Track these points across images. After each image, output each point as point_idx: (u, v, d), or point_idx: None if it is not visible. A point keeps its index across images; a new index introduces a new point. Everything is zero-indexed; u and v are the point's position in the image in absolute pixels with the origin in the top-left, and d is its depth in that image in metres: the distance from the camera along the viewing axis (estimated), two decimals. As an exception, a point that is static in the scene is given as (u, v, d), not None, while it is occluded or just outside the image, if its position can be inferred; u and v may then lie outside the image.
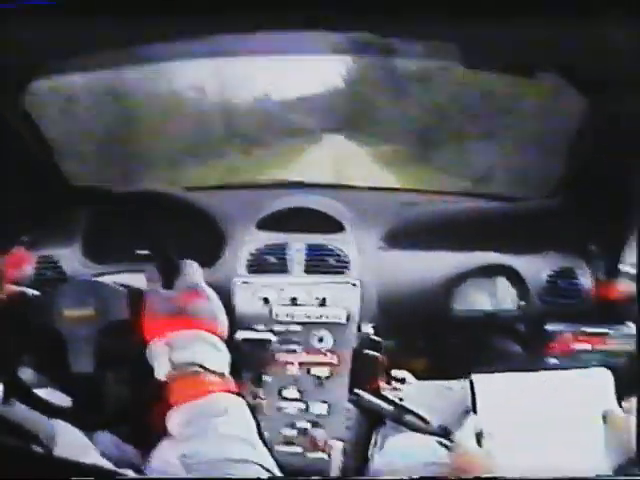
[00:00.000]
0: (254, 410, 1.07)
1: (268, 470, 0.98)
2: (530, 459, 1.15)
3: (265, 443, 1.02)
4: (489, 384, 1.26)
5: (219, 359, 1.11)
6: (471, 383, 1.27)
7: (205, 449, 0.98)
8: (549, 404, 1.21)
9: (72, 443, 0.73)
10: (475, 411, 1.23)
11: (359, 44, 1.52)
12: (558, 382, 1.24)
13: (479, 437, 1.17)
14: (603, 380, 1.24)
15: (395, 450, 1.50)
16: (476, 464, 1.13)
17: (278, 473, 0.99)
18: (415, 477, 1.24)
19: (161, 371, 1.09)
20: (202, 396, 1.03)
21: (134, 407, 1.18)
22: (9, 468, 0.64)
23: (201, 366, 1.07)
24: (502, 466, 1.13)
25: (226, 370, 1.11)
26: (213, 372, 1.07)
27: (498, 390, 1.25)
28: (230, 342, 1.63)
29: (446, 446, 1.38)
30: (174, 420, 1.04)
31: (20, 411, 0.81)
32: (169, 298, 1.14)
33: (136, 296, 1.19)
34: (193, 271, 1.20)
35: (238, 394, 1.09)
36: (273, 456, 1.02)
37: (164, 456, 1.01)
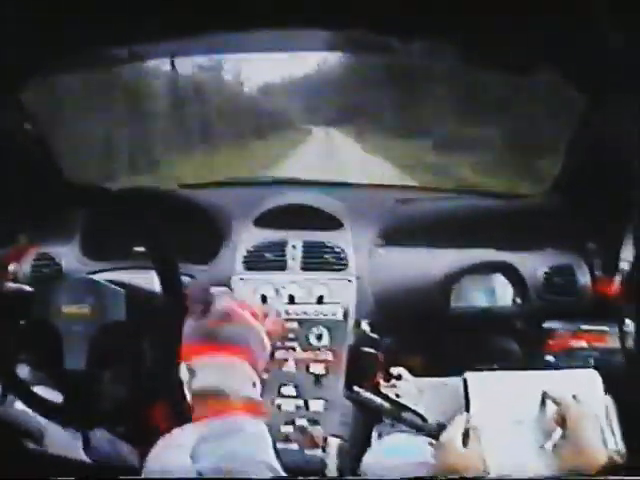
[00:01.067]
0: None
1: None
2: (520, 458, 1.15)
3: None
4: (482, 382, 1.26)
5: (243, 382, 1.09)
6: (464, 381, 1.27)
7: (220, 468, 0.96)
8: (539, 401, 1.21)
9: (62, 440, 0.73)
10: (467, 409, 1.24)
11: (358, 42, 1.52)
12: (550, 381, 1.24)
13: (465, 436, 1.17)
14: (592, 381, 1.24)
15: (386, 448, 1.50)
16: (461, 463, 1.13)
17: None
18: (406, 477, 1.24)
19: (187, 391, 1.08)
20: (225, 414, 1.03)
21: (130, 405, 1.18)
22: (4, 466, 0.64)
23: (220, 390, 1.05)
24: (491, 465, 1.13)
25: (253, 393, 1.10)
26: (235, 395, 1.06)
27: (491, 389, 1.25)
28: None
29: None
30: (192, 437, 1.02)
31: (11, 409, 0.80)
32: (203, 324, 1.12)
33: (134, 295, 1.18)
34: (230, 297, 1.19)
35: (261, 417, 1.07)
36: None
37: (165, 459, 1.00)
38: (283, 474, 1.01)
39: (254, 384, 1.11)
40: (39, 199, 1.78)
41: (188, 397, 1.08)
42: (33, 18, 0.96)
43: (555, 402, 1.17)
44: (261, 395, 1.14)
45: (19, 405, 1.09)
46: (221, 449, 0.98)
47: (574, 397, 1.16)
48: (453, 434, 1.18)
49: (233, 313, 1.15)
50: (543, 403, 1.20)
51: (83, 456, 1.09)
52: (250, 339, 1.14)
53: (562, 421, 1.13)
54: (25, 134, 1.65)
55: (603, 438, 1.12)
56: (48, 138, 1.77)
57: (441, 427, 1.45)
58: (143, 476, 0.98)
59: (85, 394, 1.15)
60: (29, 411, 0.91)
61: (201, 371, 1.08)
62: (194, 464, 0.99)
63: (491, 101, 5.34)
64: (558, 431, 1.13)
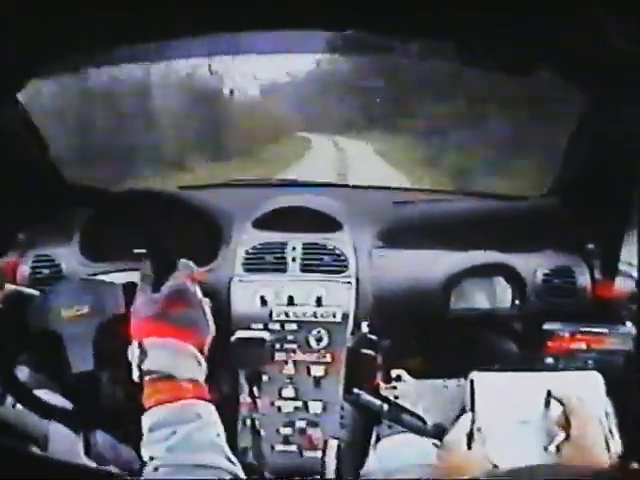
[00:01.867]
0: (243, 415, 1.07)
1: (235, 478, 0.98)
2: (524, 459, 1.15)
3: (259, 440, 1.02)
4: (488, 383, 1.26)
5: (192, 367, 1.09)
6: (471, 382, 1.27)
7: (174, 454, 0.98)
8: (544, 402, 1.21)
9: (65, 443, 0.73)
10: (473, 410, 1.23)
11: (357, 43, 1.52)
12: (554, 382, 1.24)
13: (470, 438, 1.17)
14: (595, 383, 1.24)
15: (388, 451, 1.50)
16: (465, 464, 1.13)
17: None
18: (408, 479, 1.24)
19: (134, 374, 1.08)
20: (173, 401, 1.03)
21: (130, 407, 1.18)
22: (6, 469, 0.64)
23: (170, 375, 1.06)
24: (496, 465, 1.12)
25: (200, 377, 1.10)
26: (185, 380, 1.06)
27: (496, 389, 1.25)
28: (226, 341, 1.64)
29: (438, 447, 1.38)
30: (146, 423, 1.03)
31: (13, 411, 0.80)
32: (153, 301, 1.12)
33: (131, 291, 1.18)
34: (185, 273, 1.18)
35: (210, 401, 1.08)
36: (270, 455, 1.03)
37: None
38: (233, 459, 1.01)
39: (199, 363, 1.11)
40: (39, 200, 1.78)
41: (135, 376, 1.08)
42: (33, 18, 0.96)
43: (560, 402, 1.16)
44: (258, 394, 1.14)
45: (22, 409, 1.09)
46: (176, 435, 0.99)
47: (579, 398, 1.16)
48: (458, 435, 1.18)
49: (185, 292, 1.15)
50: (547, 404, 1.19)
51: (85, 460, 1.09)
52: (198, 321, 1.15)
53: (566, 422, 1.13)
54: (25, 135, 1.65)
55: (606, 440, 1.12)
56: (48, 139, 1.77)
57: (440, 429, 1.45)
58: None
59: (89, 396, 1.15)
60: (34, 416, 0.91)
61: (152, 352, 1.07)
62: (145, 451, 1.01)
63: (491, 101, 5.34)
64: (562, 432, 1.12)
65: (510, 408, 1.21)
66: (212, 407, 1.07)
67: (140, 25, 1.11)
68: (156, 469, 0.98)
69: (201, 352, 1.12)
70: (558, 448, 1.12)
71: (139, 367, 1.07)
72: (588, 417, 1.12)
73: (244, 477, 1.00)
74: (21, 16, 0.96)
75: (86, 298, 1.19)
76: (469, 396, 1.25)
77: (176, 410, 1.02)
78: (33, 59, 1.23)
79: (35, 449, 0.69)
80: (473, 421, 1.20)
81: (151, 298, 1.13)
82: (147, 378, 1.06)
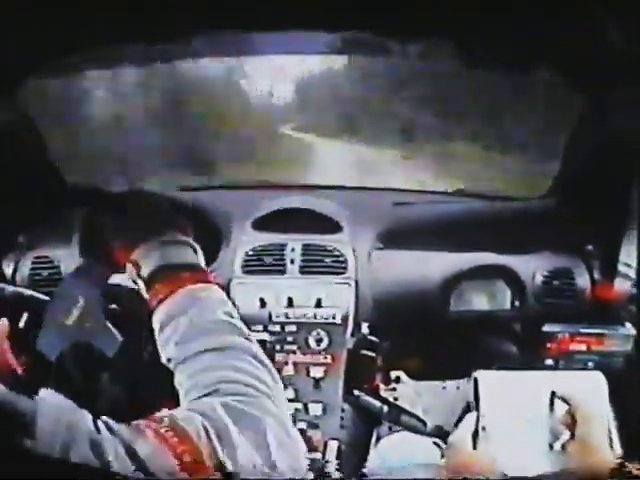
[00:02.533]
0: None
1: (255, 357, 0.94)
2: (529, 457, 1.15)
3: None
4: (492, 382, 1.26)
5: (187, 253, 1.09)
6: (475, 381, 1.27)
7: (184, 346, 0.95)
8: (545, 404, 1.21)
9: (56, 420, 0.72)
10: (478, 408, 1.23)
11: (357, 43, 1.52)
12: (558, 382, 1.24)
13: (475, 437, 1.16)
14: (598, 383, 1.23)
15: (389, 451, 1.50)
16: (471, 465, 1.13)
17: (266, 359, 0.96)
18: (410, 478, 1.24)
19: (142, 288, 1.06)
20: (174, 292, 1.01)
21: (132, 401, 1.18)
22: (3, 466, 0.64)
23: (168, 266, 1.04)
24: (502, 465, 1.12)
25: (198, 262, 1.09)
26: (184, 266, 1.05)
27: (501, 388, 1.24)
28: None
29: (440, 447, 1.37)
30: (155, 327, 1.01)
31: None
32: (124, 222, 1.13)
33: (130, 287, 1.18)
34: None
35: (211, 282, 1.06)
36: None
37: None
38: (250, 336, 0.99)
39: (194, 250, 1.11)
40: (38, 201, 1.77)
41: (143, 292, 1.06)
42: (33, 18, 0.96)
43: (565, 401, 1.16)
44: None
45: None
46: (184, 320, 0.97)
47: (583, 397, 1.16)
48: (463, 434, 1.18)
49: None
50: (552, 403, 1.19)
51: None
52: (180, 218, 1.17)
53: (571, 421, 1.12)
54: (25, 135, 1.65)
55: (610, 439, 1.12)
56: (47, 139, 1.76)
57: (439, 430, 1.45)
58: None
59: (92, 393, 1.14)
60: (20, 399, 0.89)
61: (145, 259, 1.06)
62: (162, 354, 0.99)
63: (491, 101, 5.34)
64: (567, 430, 1.12)
65: (515, 407, 1.21)
66: (215, 287, 1.05)
67: (140, 25, 1.11)
68: (175, 368, 0.96)
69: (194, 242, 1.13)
70: (563, 447, 1.12)
71: (141, 278, 1.05)
72: (592, 416, 1.12)
73: (261, 354, 0.96)
74: (21, 16, 0.96)
75: (76, 292, 1.18)
76: (473, 395, 1.25)
77: (175, 301, 1.00)
78: (33, 59, 1.24)
79: (23, 437, 0.68)
80: (478, 420, 1.19)
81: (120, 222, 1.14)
82: (148, 283, 1.04)
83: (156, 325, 1.01)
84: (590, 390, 1.20)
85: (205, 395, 0.88)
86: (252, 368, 0.92)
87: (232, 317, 1.00)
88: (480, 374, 1.26)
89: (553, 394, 1.18)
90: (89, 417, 0.76)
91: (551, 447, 1.14)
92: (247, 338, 0.98)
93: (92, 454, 0.70)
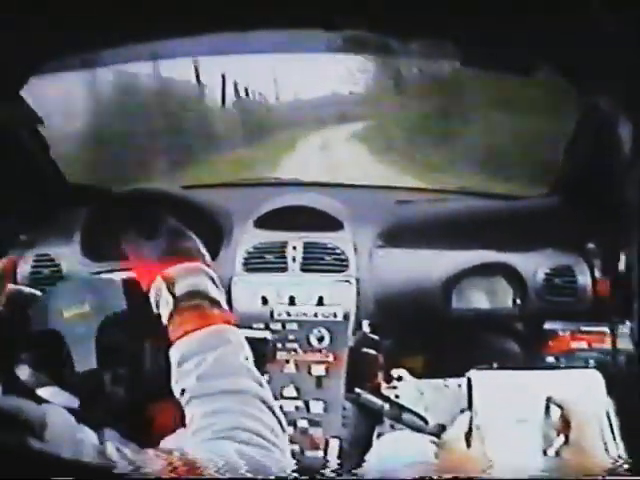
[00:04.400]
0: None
1: (266, 403, 0.97)
2: (523, 457, 1.15)
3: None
4: (486, 381, 1.26)
5: (217, 290, 1.10)
6: (468, 380, 1.27)
7: (205, 382, 0.97)
8: (543, 402, 1.21)
9: (63, 433, 0.73)
10: (471, 408, 1.23)
11: (358, 43, 1.52)
12: (553, 381, 1.24)
13: (469, 436, 1.17)
14: (595, 382, 1.23)
15: (386, 449, 1.49)
16: (464, 464, 1.13)
17: (276, 406, 0.98)
18: (407, 478, 1.23)
19: (165, 310, 1.08)
20: (204, 327, 1.02)
21: (135, 403, 1.18)
22: (7, 466, 0.64)
23: (204, 295, 1.06)
24: (496, 465, 1.12)
25: (222, 300, 1.10)
26: (215, 302, 1.07)
27: (494, 388, 1.25)
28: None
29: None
30: (175, 356, 1.03)
31: (9, 400, 0.80)
32: (156, 244, 1.15)
33: (132, 285, 1.18)
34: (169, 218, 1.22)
35: (232, 322, 1.08)
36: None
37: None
38: (263, 382, 1.01)
39: (217, 286, 1.12)
40: (39, 200, 1.78)
41: (169, 310, 1.07)
42: (34, 18, 0.96)
43: (559, 406, 1.16)
44: None
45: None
46: (205, 362, 0.98)
47: (577, 401, 1.16)
48: (456, 433, 1.18)
49: (178, 227, 1.20)
50: (547, 408, 1.19)
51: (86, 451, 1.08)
52: (200, 248, 1.19)
53: (565, 425, 1.12)
54: (26, 134, 1.65)
55: (604, 441, 1.12)
56: (48, 138, 1.77)
57: (442, 428, 1.45)
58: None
59: (95, 393, 1.15)
60: (29, 403, 0.90)
61: (179, 276, 1.09)
62: (176, 385, 1.01)
63: (491, 101, 5.33)
64: (561, 436, 1.12)
65: (508, 406, 1.21)
66: (238, 331, 1.07)
67: (140, 25, 1.11)
68: (188, 402, 0.97)
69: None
70: (557, 453, 1.12)
71: (171, 294, 1.07)
72: (586, 419, 1.12)
73: (273, 402, 0.99)
74: (22, 15, 0.96)
75: (86, 297, 1.19)
76: (466, 394, 1.25)
77: (205, 337, 1.02)
78: (33, 58, 1.24)
79: (32, 439, 0.68)
80: (471, 419, 1.20)
81: (153, 243, 1.15)
82: (178, 307, 1.06)
83: (176, 355, 1.03)
84: (585, 390, 1.21)
85: (218, 439, 0.90)
86: (264, 415, 0.95)
87: (249, 362, 1.03)
88: (473, 374, 1.26)
89: (548, 400, 1.19)
90: (93, 436, 0.77)
91: (545, 453, 1.14)
92: (261, 384, 1.00)
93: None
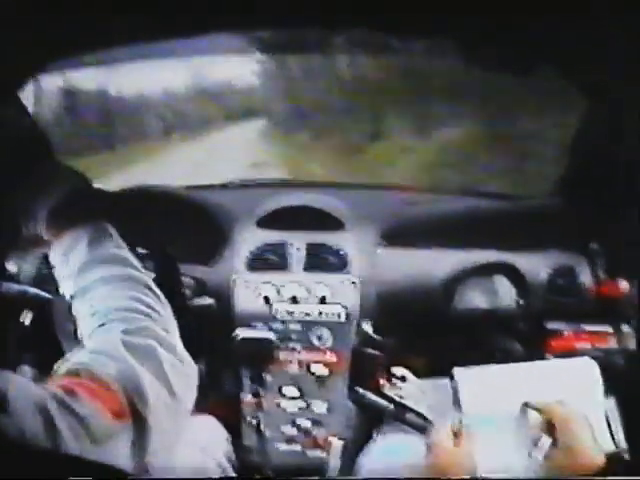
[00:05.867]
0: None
1: (147, 287, 1.00)
2: (512, 457, 1.15)
3: (263, 439, 1.01)
4: (472, 379, 1.25)
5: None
6: (452, 377, 1.26)
7: (83, 275, 1.00)
8: (534, 396, 1.20)
9: (22, 400, 0.74)
10: (459, 407, 1.23)
11: (358, 43, 1.52)
12: (543, 374, 1.23)
13: (457, 435, 1.16)
14: (589, 371, 1.22)
15: (379, 450, 1.50)
16: (452, 463, 1.12)
17: (156, 288, 1.01)
18: (402, 477, 1.23)
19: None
20: (61, 235, 1.06)
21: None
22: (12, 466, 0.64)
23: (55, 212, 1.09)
24: (483, 465, 1.12)
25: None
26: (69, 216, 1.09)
27: (482, 384, 1.24)
28: (229, 341, 1.64)
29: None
30: (52, 260, 1.06)
31: None
32: None
33: None
34: None
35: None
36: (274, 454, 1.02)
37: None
38: (141, 269, 1.03)
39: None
40: (39, 199, 1.77)
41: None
42: (33, 17, 0.96)
43: (538, 410, 1.15)
44: (262, 393, 1.13)
45: None
46: (75, 256, 1.02)
47: (559, 401, 1.15)
48: (443, 433, 1.17)
49: None
50: (524, 413, 1.18)
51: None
52: None
53: (550, 427, 1.11)
54: (25, 133, 1.65)
55: (594, 437, 1.11)
56: (48, 138, 1.77)
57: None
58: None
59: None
60: None
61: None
62: (63, 291, 1.03)
63: (491, 101, 5.33)
64: (546, 439, 1.11)
65: (495, 404, 1.20)
66: (100, 224, 1.08)
67: (140, 25, 1.12)
68: (73, 304, 1.00)
69: None
70: (547, 456, 1.10)
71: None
72: (572, 418, 1.10)
73: (154, 287, 1.01)
74: (21, 15, 0.96)
75: None
76: (452, 393, 1.25)
77: (64, 241, 1.05)
78: (33, 57, 1.24)
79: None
80: (459, 418, 1.19)
81: None
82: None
83: (51, 267, 1.06)
84: (577, 382, 1.19)
85: (102, 325, 0.93)
86: (145, 297, 0.98)
87: (122, 250, 1.05)
88: (457, 371, 1.25)
89: (524, 405, 1.18)
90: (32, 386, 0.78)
91: (530, 455, 1.13)
92: (138, 269, 1.03)
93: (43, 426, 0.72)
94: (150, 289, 1.00)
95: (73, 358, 0.87)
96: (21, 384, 0.76)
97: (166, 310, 1.00)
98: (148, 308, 0.96)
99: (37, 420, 0.72)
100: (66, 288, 1.02)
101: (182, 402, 0.91)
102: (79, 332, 0.98)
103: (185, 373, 0.94)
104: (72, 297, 1.01)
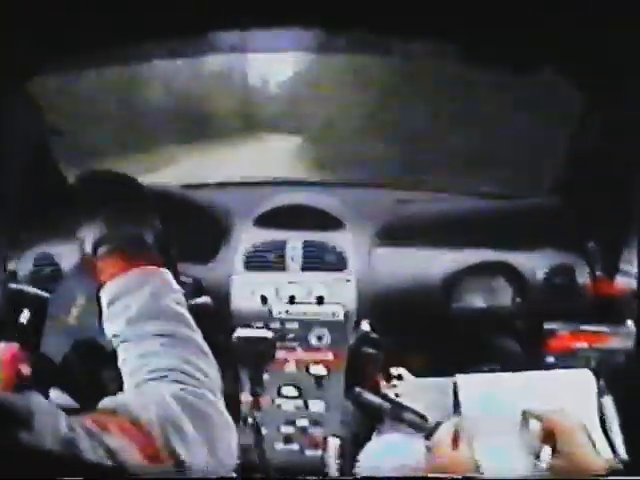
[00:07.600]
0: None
1: (200, 348, 0.98)
2: (511, 459, 1.15)
3: (261, 438, 1.01)
4: (472, 385, 1.26)
5: (136, 239, 1.09)
6: (454, 384, 1.27)
7: (133, 326, 0.98)
8: (532, 404, 1.20)
9: (47, 420, 0.73)
10: (458, 411, 1.23)
11: (357, 43, 1.51)
12: (541, 382, 1.24)
13: (456, 438, 1.16)
14: (586, 382, 1.23)
15: (377, 448, 1.49)
16: (451, 465, 1.13)
17: (208, 350, 0.99)
18: (401, 477, 1.23)
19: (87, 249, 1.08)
20: (124, 273, 1.02)
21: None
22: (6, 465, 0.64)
23: (113, 238, 1.06)
24: (483, 466, 1.12)
25: (150, 246, 1.10)
26: (135, 249, 1.06)
27: (482, 391, 1.25)
28: (227, 340, 1.64)
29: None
30: (104, 299, 1.03)
31: None
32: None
33: None
34: None
35: (161, 266, 1.06)
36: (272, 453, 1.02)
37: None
38: (194, 326, 1.01)
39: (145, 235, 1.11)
40: (40, 198, 1.77)
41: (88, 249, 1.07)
42: (34, 17, 0.96)
43: (538, 419, 1.16)
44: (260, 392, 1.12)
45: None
46: (132, 306, 0.98)
47: (558, 410, 1.15)
48: (442, 436, 1.18)
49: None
50: (525, 421, 1.18)
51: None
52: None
53: (551, 436, 1.12)
54: (26, 133, 1.64)
55: (593, 443, 1.11)
56: (49, 137, 1.76)
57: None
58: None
59: (96, 392, 1.15)
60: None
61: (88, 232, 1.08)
62: (108, 329, 1.01)
63: (491, 101, 5.33)
64: (547, 449, 1.11)
65: (495, 410, 1.21)
66: (165, 272, 1.06)
67: (140, 26, 1.11)
68: (120, 345, 0.98)
69: None
70: (548, 463, 1.11)
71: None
72: (571, 426, 1.11)
73: (206, 347, 1.00)
74: (22, 15, 0.96)
75: (75, 290, 1.19)
76: (453, 398, 1.25)
77: (129, 280, 1.01)
78: (34, 57, 1.24)
79: (22, 431, 0.68)
80: (458, 422, 1.20)
81: None
82: (100, 252, 1.06)
83: (105, 298, 1.03)
84: (574, 393, 1.20)
85: (153, 379, 0.91)
86: (197, 360, 0.95)
87: (181, 306, 1.03)
88: (459, 378, 1.26)
89: (525, 413, 1.18)
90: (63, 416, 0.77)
91: (535, 464, 1.13)
92: (193, 329, 1.00)
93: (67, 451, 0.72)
94: (202, 351, 0.98)
95: (115, 399, 0.87)
96: (51, 411, 0.76)
97: (214, 370, 0.98)
98: (198, 371, 0.94)
99: (61, 446, 0.72)
100: (117, 329, 1.00)
101: (221, 465, 0.89)
102: (123, 376, 0.97)
103: (229, 437, 0.93)
104: (117, 337, 0.99)
